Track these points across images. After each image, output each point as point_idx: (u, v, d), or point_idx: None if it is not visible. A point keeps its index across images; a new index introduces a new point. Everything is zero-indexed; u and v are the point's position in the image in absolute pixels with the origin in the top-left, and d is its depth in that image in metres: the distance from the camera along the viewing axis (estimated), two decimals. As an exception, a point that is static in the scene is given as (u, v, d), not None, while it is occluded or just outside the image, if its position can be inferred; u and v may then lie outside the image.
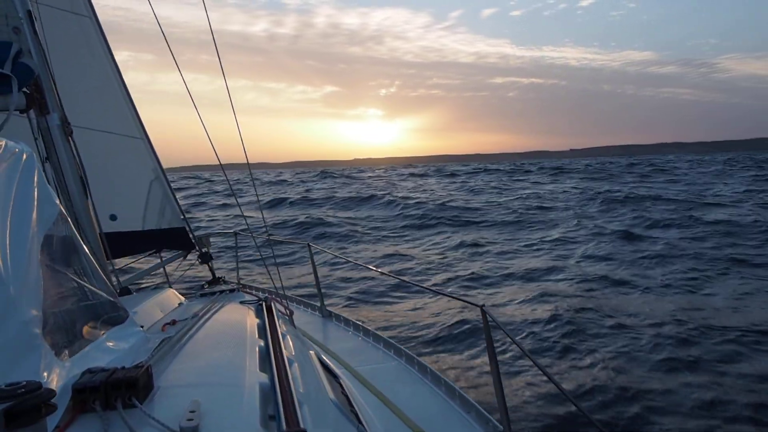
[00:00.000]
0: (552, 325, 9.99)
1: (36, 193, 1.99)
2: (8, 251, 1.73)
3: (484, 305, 3.10)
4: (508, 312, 10.91)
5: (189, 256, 6.33)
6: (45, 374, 1.73)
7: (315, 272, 5.49)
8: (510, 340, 3.07)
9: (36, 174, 2.01)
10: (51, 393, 1.35)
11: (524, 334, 9.71)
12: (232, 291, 3.90)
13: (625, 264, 15.04)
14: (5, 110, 2.69)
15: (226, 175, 5.65)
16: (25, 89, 2.88)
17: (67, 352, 1.94)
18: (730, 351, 8.65)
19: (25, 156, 1.98)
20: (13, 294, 1.68)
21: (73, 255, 2.31)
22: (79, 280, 2.30)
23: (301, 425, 1.70)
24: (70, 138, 3.37)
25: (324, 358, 3.51)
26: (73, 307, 2.15)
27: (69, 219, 2.29)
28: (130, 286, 4.38)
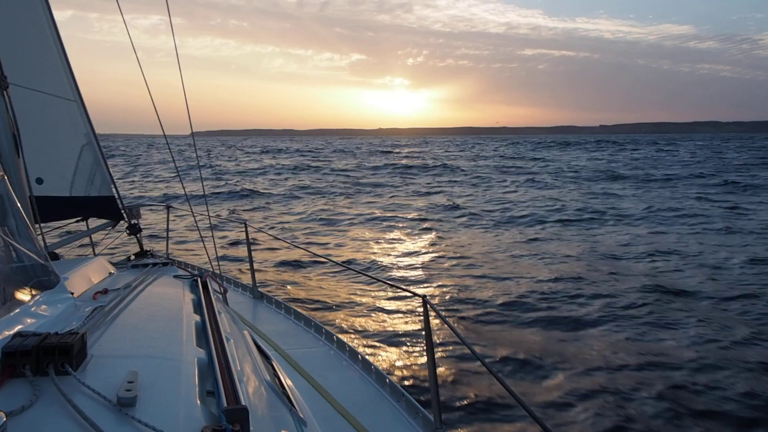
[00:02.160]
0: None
1: None
2: None
3: (425, 296, 3.15)
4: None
5: (117, 227, 6.14)
6: None
7: (249, 252, 5.42)
8: (451, 331, 3.13)
9: None
10: None
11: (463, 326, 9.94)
12: (165, 264, 3.81)
13: None
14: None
15: (166, 145, 5.50)
16: None
17: None
18: None
19: None
20: None
21: (4, 214, 2.21)
22: (10, 240, 2.20)
23: (242, 402, 1.69)
24: (5, 92, 3.20)
25: (256, 339, 3.49)
26: (3, 267, 2.06)
27: (4, 176, 2.19)
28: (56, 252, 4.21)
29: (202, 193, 5.75)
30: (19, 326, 1.90)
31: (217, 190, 31.35)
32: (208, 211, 5.47)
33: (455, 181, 37.71)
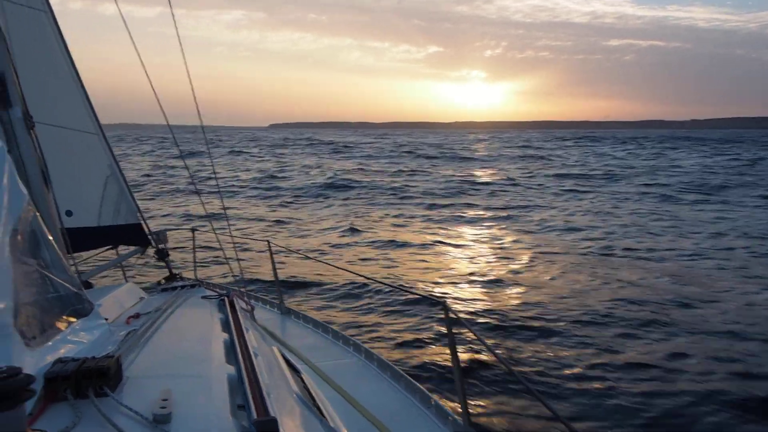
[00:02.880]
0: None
1: (6, 183, 2.01)
2: None
3: (445, 301, 3.21)
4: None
5: (146, 252, 6.29)
6: (17, 363, 1.76)
7: (274, 269, 5.53)
8: (473, 335, 3.18)
9: (6, 165, 2.03)
10: (30, 378, 1.40)
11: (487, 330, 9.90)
12: (192, 286, 3.93)
13: None
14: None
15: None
16: None
17: (36, 342, 1.96)
18: None
19: None
20: None
21: (39, 247, 2.33)
22: (46, 272, 2.32)
23: (272, 414, 1.77)
24: (32, 131, 3.35)
25: (286, 354, 3.57)
26: (41, 298, 2.17)
27: (36, 211, 2.31)
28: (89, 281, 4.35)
29: (223, 211, 5.88)
30: (58, 353, 2.01)
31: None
32: (230, 231, 5.59)
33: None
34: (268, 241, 5.88)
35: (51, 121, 5.19)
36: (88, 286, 4.14)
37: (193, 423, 1.65)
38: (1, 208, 1.94)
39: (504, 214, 22.53)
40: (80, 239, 5.68)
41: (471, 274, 13.44)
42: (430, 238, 17.77)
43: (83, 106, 5.50)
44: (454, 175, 38.95)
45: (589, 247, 16.38)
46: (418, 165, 48.38)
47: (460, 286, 12.57)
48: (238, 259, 5.43)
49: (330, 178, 35.09)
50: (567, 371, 8.31)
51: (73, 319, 2.38)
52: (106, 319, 2.71)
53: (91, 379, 1.77)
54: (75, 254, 5.82)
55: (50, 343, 2.06)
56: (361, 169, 42.62)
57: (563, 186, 33.29)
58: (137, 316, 2.98)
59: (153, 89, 5.42)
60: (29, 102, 3.55)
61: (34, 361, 1.87)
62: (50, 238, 2.48)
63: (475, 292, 12.11)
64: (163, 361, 2.20)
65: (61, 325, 2.25)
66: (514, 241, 17.29)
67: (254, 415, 1.74)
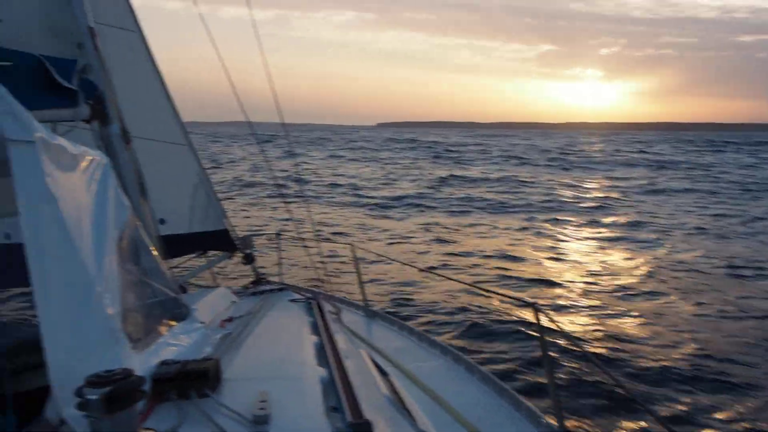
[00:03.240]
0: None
1: (112, 196, 2.15)
2: (92, 251, 1.88)
3: (536, 303, 3.16)
4: None
5: (234, 257, 6.53)
6: (126, 365, 1.88)
7: (358, 272, 5.60)
8: (564, 338, 3.12)
9: (111, 179, 2.17)
10: (142, 380, 1.49)
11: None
12: (280, 290, 4.04)
13: None
14: (72, 120, 2.88)
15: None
16: (88, 101, 3.06)
17: (141, 345, 2.09)
18: None
19: (103, 162, 2.14)
20: (99, 291, 1.83)
21: (140, 255, 2.48)
22: (147, 279, 2.46)
23: (365, 416, 1.81)
24: (129, 145, 3.56)
25: (373, 356, 3.61)
26: (144, 303, 2.31)
27: (138, 222, 2.46)
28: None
29: (309, 216, 6.01)
30: (161, 355, 2.13)
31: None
32: (315, 235, 5.71)
33: None
34: (351, 244, 5.97)
35: (144, 135, 5.47)
36: (183, 290, 4.34)
37: (290, 424, 1.71)
38: (108, 219, 2.08)
39: (625, 234, 19.48)
40: (173, 246, 5.97)
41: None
42: (533, 253, 16.45)
43: (173, 120, 5.78)
44: (562, 183, 34.81)
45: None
46: (529, 172, 41.83)
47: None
48: (323, 262, 5.54)
49: (425, 187, 32.33)
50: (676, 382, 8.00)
51: (172, 323, 2.52)
52: (203, 323, 2.84)
53: (193, 381, 1.87)
54: (168, 260, 6.14)
55: (153, 346, 2.19)
56: (460, 176, 37.98)
57: (696, 201, 27.78)
58: (230, 319, 3.10)
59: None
60: (127, 118, 3.77)
61: (140, 363, 1.99)
62: (149, 247, 2.63)
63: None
64: (258, 364, 2.29)
65: (162, 329, 2.38)
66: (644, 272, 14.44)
67: (348, 417, 1.78)
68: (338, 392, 1.99)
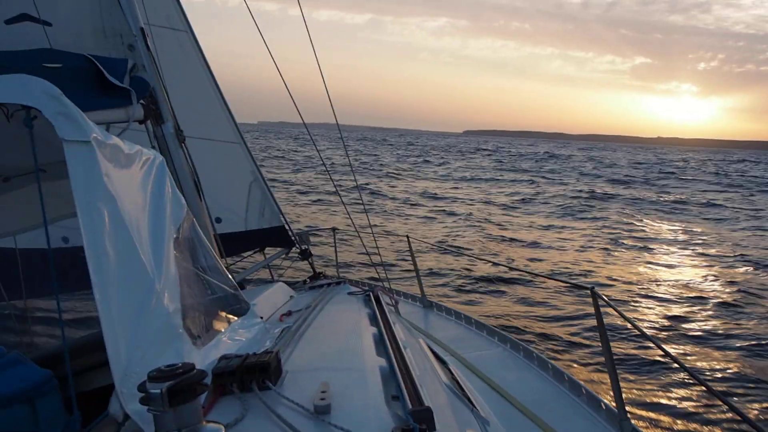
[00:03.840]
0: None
1: (168, 194, 2.15)
2: (151, 250, 1.88)
3: (593, 287, 3.06)
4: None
5: (291, 253, 6.57)
6: (188, 360, 1.88)
7: (414, 263, 5.57)
8: (624, 321, 3.00)
9: (167, 177, 2.17)
10: (203, 374, 1.47)
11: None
12: (338, 284, 4.03)
13: None
14: (125, 121, 2.91)
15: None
16: (141, 101, 3.09)
17: (202, 341, 2.09)
18: None
19: (158, 161, 2.14)
20: (158, 289, 1.83)
21: (197, 252, 2.48)
22: (205, 275, 2.46)
23: (426, 403, 1.76)
24: (183, 144, 3.59)
25: (432, 345, 3.57)
26: (204, 299, 2.31)
27: (194, 220, 2.46)
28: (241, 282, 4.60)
29: (366, 215, 5.98)
30: (221, 350, 2.12)
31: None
32: (371, 228, 5.69)
33: None
34: (407, 236, 5.94)
35: (199, 135, 5.55)
36: (241, 287, 4.38)
37: (351, 413, 1.68)
38: (165, 218, 2.08)
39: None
40: (230, 244, 6.04)
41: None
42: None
43: (226, 119, 5.83)
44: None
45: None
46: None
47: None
48: (379, 255, 5.51)
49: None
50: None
51: (232, 318, 2.52)
52: (261, 318, 2.83)
53: (254, 374, 1.85)
54: (228, 258, 6.22)
55: (214, 341, 2.18)
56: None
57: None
58: (289, 313, 3.10)
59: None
60: (180, 119, 3.80)
61: (201, 358, 1.98)
62: (207, 245, 2.64)
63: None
64: (318, 355, 2.26)
65: (222, 325, 2.38)
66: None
67: (409, 405, 1.74)
68: (398, 381, 1.94)
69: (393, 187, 32.43)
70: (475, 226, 20.26)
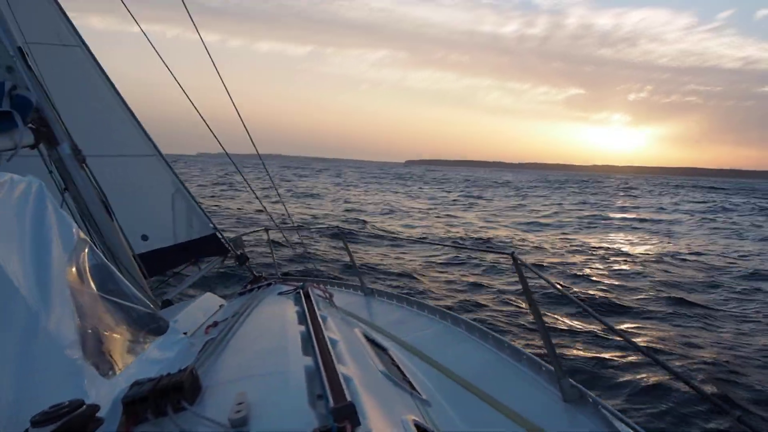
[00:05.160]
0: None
1: (52, 221, 2.01)
2: (33, 282, 1.75)
3: (513, 252, 3.07)
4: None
5: (226, 261, 6.41)
6: (93, 393, 1.77)
7: (349, 254, 5.50)
8: (545, 282, 3.01)
9: (48, 203, 2.03)
10: (95, 408, 1.37)
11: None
12: (269, 285, 3.93)
13: None
14: (12, 149, 2.72)
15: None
16: (31, 125, 2.91)
17: (113, 369, 1.97)
18: None
19: (34, 187, 2.00)
20: (46, 325, 1.70)
21: (104, 277, 2.34)
22: (115, 299, 2.33)
23: (348, 399, 1.71)
24: (84, 165, 3.41)
25: (371, 333, 3.52)
26: (113, 325, 2.18)
27: (92, 242, 2.32)
28: (179, 299, 4.45)
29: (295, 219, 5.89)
30: (139, 375, 2.01)
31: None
32: (295, 226, 5.58)
33: None
34: (337, 227, 5.87)
35: (109, 152, 5.31)
36: (170, 304, 4.22)
37: (271, 420, 1.61)
38: (50, 245, 1.94)
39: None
40: (162, 260, 5.84)
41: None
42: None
43: (136, 131, 5.61)
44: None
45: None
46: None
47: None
48: (308, 251, 5.43)
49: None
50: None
51: (150, 340, 2.40)
52: (186, 333, 2.72)
53: (168, 396, 1.75)
54: (164, 274, 6.02)
55: (128, 368, 2.07)
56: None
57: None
58: (215, 324, 2.99)
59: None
60: (82, 137, 3.61)
61: (111, 389, 1.87)
62: (115, 266, 2.50)
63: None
64: (240, 365, 2.17)
65: (138, 348, 2.26)
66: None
67: (332, 403, 1.68)
68: (322, 379, 1.88)
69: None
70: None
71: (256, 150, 5.94)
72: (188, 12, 4.73)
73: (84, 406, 1.33)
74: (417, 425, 1.93)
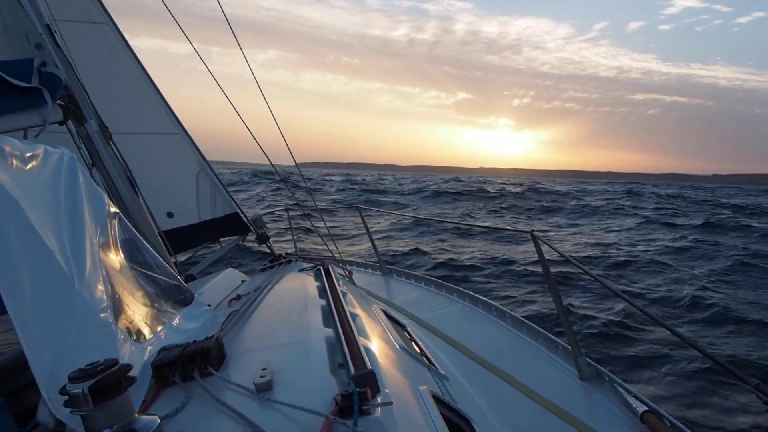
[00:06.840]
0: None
1: (84, 191, 2.08)
2: (67, 248, 1.82)
3: (533, 230, 3.09)
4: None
5: (247, 239, 6.50)
6: (125, 356, 1.84)
7: (368, 233, 5.55)
8: (564, 259, 3.03)
9: (81, 173, 2.10)
10: (128, 367, 1.43)
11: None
12: (289, 262, 4.00)
13: None
14: (42, 125, 2.78)
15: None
16: (59, 102, 2.97)
17: (142, 335, 2.04)
18: None
19: (66, 158, 2.06)
20: (80, 289, 1.77)
21: (133, 248, 2.42)
22: (144, 270, 2.40)
23: (369, 367, 1.76)
24: (110, 141, 3.48)
25: (389, 311, 3.58)
26: (141, 295, 2.26)
27: (122, 214, 2.39)
28: (201, 275, 4.53)
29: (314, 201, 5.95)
30: (165, 343, 2.08)
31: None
32: (315, 204, 5.63)
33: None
34: (358, 206, 5.91)
35: (136, 130, 5.39)
36: (193, 278, 4.31)
37: (294, 386, 1.67)
38: (84, 215, 2.01)
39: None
40: (185, 237, 5.94)
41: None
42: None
43: (162, 109, 5.67)
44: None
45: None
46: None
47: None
48: (329, 231, 5.48)
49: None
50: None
51: (176, 310, 2.47)
52: (209, 305, 2.79)
53: (195, 361, 1.82)
54: (187, 251, 6.12)
55: (156, 334, 2.14)
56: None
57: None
58: (238, 297, 3.06)
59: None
60: (109, 115, 3.68)
61: (140, 353, 1.94)
62: (145, 241, 2.57)
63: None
64: (263, 335, 2.24)
65: (165, 317, 2.34)
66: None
67: (352, 370, 1.74)
68: (343, 349, 1.94)
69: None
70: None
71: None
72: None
73: (118, 365, 1.39)
74: (434, 396, 1.98)
